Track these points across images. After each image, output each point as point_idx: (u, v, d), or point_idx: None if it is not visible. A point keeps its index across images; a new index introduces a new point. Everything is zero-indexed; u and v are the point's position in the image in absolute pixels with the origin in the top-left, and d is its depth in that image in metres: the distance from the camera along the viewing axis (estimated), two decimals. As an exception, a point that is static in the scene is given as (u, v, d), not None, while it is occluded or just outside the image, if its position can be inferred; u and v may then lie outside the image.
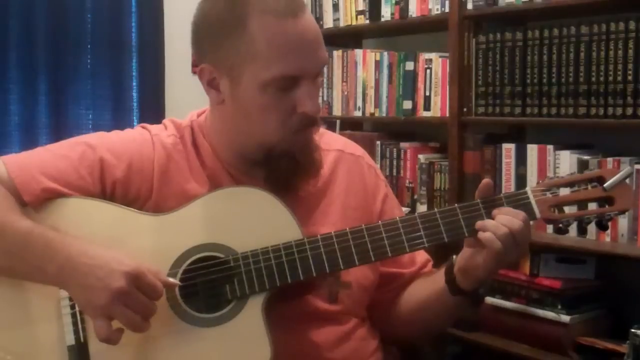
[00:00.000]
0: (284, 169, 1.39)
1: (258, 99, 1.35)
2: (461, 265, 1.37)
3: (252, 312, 1.32)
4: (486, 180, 1.37)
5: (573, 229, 1.38)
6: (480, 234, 1.31)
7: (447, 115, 2.66)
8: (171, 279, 1.32)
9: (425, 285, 1.50)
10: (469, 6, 2.58)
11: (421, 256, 1.55)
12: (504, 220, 1.30)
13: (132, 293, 1.25)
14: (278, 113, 1.36)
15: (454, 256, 1.40)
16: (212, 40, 1.38)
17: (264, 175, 1.41)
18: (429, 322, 1.52)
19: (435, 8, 2.72)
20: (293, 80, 1.34)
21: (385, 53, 2.97)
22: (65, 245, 1.30)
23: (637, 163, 2.20)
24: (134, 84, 3.38)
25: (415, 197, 2.84)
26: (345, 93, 3.14)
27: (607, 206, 1.35)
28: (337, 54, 3.17)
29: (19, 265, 1.33)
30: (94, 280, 1.26)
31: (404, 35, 3.16)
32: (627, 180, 1.36)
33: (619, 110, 2.21)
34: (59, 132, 3.08)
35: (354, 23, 3.08)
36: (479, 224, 1.32)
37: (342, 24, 3.13)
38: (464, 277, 1.38)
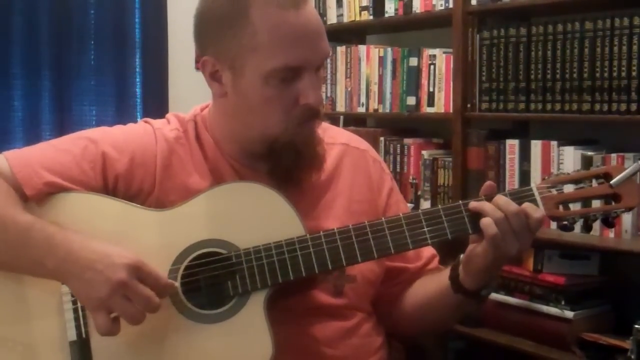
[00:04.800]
0: (286, 161, 1.38)
1: (260, 90, 1.34)
2: (464, 260, 1.37)
3: (254, 309, 1.31)
4: (489, 183, 1.36)
5: (577, 226, 1.36)
6: (481, 221, 1.29)
7: (451, 111, 2.66)
8: (170, 281, 1.31)
9: (430, 283, 1.49)
10: (473, 2, 2.58)
11: (427, 251, 1.55)
12: (501, 201, 1.29)
13: (133, 285, 1.25)
14: (280, 105, 1.35)
15: (462, 255, 1.39)
16: (214, 32, 1.37)
17: (267, 168, 1.41)
18: (432, 319, 1.51)
19: (439, 4, 2.71)
20: (295, 71, 1.34)
21: (389, 49, 2.97)
22: (66, 240, 1.30)
23: (641, 159, 2.19)
24: (138, 80, 3.37)
25: (419, 193, 2.83)
26: (349, 89, 3.13)
27: (613, 203, 1.33)
28: (340, 49, 3.16)
29: (19, 259, 1.33)
30: (94, 273, 1.26)
31: (407, 31, 3.15)
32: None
33: (624, 106, 2.21)
34: (62, 128, 3.07)
35: (357, 19, 3.07)
36: (474, 204, 1.31)
37: (345, 19, 3.12)
38: (466, 272, 1.37)
